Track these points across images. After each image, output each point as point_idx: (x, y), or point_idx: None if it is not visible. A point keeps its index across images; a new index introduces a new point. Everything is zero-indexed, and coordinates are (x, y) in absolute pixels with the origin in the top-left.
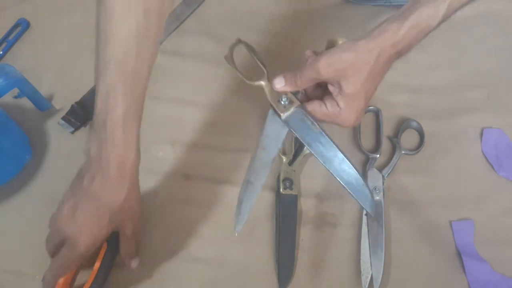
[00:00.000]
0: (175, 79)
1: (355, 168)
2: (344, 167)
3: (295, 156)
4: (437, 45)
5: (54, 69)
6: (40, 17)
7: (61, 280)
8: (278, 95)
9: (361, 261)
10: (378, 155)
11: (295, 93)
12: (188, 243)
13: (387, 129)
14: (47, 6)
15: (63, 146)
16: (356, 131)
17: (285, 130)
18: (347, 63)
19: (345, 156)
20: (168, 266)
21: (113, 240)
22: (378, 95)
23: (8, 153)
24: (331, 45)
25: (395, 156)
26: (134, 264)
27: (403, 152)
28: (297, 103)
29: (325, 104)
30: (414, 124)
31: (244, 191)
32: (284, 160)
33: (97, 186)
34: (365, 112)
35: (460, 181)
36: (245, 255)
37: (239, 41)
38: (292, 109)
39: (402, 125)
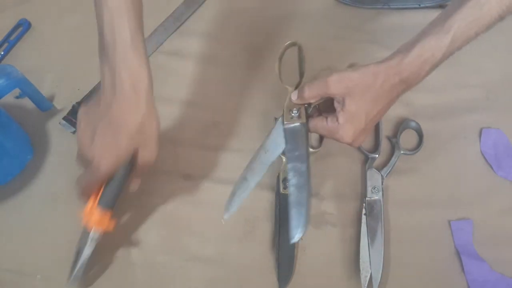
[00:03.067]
0: (175, 79)
1: (308, 201)
2: (301, 193)
3: None
4: None
5: (55, 70)
6: (41, 18)
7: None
8: (293, 106)
9: (361, 260)
10: (377, 155)
11: (308, 109)
12: (188, 243)
13: (386, 129)
14: (48, 7)
15: (64, 146)
16: None
17: (302, 128)
18: (355, 82)
19: (309, 187)
20: (168, 266)
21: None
22: None
23: (9, 153)
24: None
25: (394, 156)
26: (135, 186)
27: (402, 152)
28: (303, 120)
29: (327, 119)
30: (413, 124)
31: (238, 186)
32: (284, 160)
33: (114, 109)
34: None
35: (459, 181)
36: (245, 255)
37: (294, 44)
38: (295, 124)
39: (401, 125)
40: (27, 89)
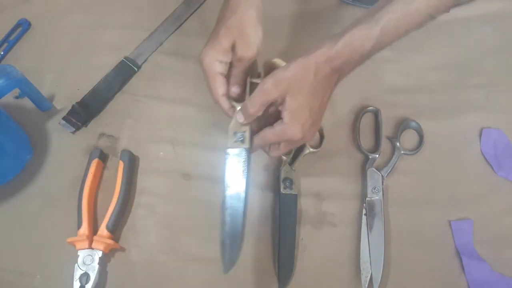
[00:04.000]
0: (176, 79)
1: (242, 232)
2: (237, 225)
3: (295, 156)
4: (436, 45)
5: (55, 70)
6: (41, 18)
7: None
8: (238, 128)
9: (361, 260)
10: (377, 155)
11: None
12: (188, 243)
13: (386, 129)
14: (48, 7)
15: (64, 146)
16: (355, 131)
17: (244, 155)
18: (289, 80)
19: (244, 219)
20: (168, 266)
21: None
22: (378, 95)
23: (9, 153)
24: (269, 67)
25: (394, 156)
26: (235, 90)
27: (402, 152)
28: (247, 145)
29: (274, 126)
30: (413, 124)
31: (222, 232)
32: (284, 159)
33: (222, 13)
34: (365, 113)
35: (459, 181)
36: (245, 255)
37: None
38: (238, 149)
39: (401, 125)
40: (27, 89)
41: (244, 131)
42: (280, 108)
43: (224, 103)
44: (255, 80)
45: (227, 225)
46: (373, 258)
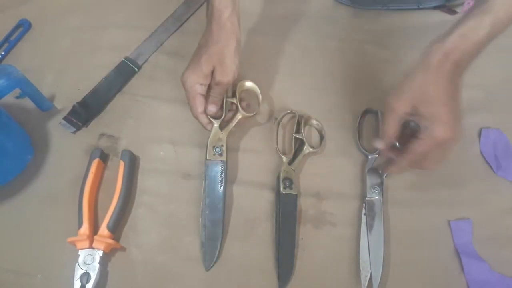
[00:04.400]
0: (176, 79)
1: (222, 236)
2: (217, 229)
3: (295, 156)
4: None
5: (55, 70)
6: (41, 18)
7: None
8: (217, 142)
9: (360, 260)
10: (377, 155)
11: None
12: (188, 243)
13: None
14: (48, 7)
15: (65, 146)
16: (355, 131)
17: (221, 166)
18: (412, 88)
19: (223, 223)
20: (168, 266)
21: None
22: (378, 95)
23: (10, 153)
24: (240, 87)
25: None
26: (211, 108)
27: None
28: (224, 158)
29: (420, 137)
30: (412, 124)
31: (203, 234)
32: (284, 159)
33: (203, 39)
34: (365, 113)
35: (458, 181)
36: (245, 254)
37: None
38: (216, 161)
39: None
40: (28, 89)
41: (222, 145)
42: (417, 120)
43: (203, 119)
44: (230, 99)
45: (207, 228)
46: (373, 258)
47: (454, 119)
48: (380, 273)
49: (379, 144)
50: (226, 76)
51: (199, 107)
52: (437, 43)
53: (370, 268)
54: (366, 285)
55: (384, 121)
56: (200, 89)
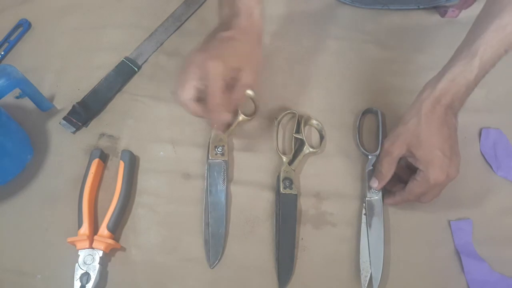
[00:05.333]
0: (176, 79)
1: (225, 234)
2: (220, 226)
3: (295, 155)
4: (436, 45)
5: (55, 70)
6: (41, 18)
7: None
8: (218, 143)
9: (361, 260)
10: (377, 155)
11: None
12: (188, 243)
13: (386, 129)
14: (48, 7)
15: (65, 146)
16: (355, 131)
17: (223, 165)
18: (405, 135)
19: (226, 220)
20: (168, 266)
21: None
22: (378, 95)
23: (9, 153)
24: None
25: None
26: (226, 116)
27: None
28: (226, 157)
29: (416, 178)
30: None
31: (206, 232)
32: (284, 159)
33: (230, 33)
34: (365, 113)
35: (458, 180)
36: (245, 254)
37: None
38: (218, 160)
39: None
40: (27, 89)
41: (223, 145)
42: (413, 162)
43: (222, 113)
44: None
45: (211, 226)
46: (373, 258)
47: (449, 159)
48: (380, 273)
49: (375, 184)
50: (250, 78)
51: (219, 99)
52: (428, 88)
53: (370, 268)
54: (366, 285)
55: (380, 163)
56: (223, 84)
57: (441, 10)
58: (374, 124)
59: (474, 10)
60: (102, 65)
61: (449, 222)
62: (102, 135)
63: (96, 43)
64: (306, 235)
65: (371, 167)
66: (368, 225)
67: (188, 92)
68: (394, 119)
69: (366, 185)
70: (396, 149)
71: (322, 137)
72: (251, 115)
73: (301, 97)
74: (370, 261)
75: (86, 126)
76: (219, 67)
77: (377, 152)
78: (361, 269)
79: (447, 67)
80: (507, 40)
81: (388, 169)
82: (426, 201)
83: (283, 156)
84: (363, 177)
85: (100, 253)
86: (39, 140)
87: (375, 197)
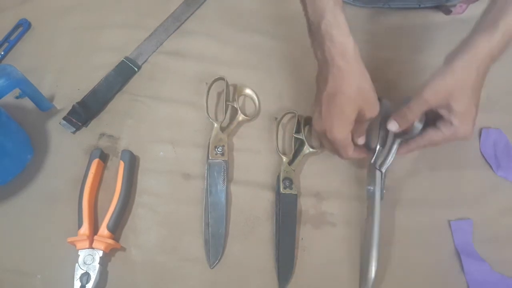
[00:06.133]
0: (176, 79)
1: (225, 233)
2: (220, 226)
3: (295, 155)
4: (436, 45)
5: (55, 70)
6: (41, 18)
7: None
8: (218, 143)
9: (360, 260)
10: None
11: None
12: (188, 243)
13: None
14: (48, 7)
15: (65, 146)
16: None
17: (223, 165)
18: (451, 86)
19: (226, 220)
20: (168, 266)
21: (130, 159)
22: (378, 95)
23: (9, 153)
24: (239, 92)
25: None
26: (361, 141)
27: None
28: (226, 157)
29: (440, 129)
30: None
31: (206, 232)
32: (284, 159)
33: (331, 83)
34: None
35: (458, 181)
36: (245, 254)
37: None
38: (218, 160)
39: None
40: (27, 89)
41: (223, 145)
42: (443, 114)
43: (357, 154)
44: (230, 103)
45: (211, 226)
46: (371, 258)
47: (475, 118)
48: (374, 272)
49: (394, 127)
50: (375, 111)
51: (351, 152)
52: (483, 39)
53: (368, 268)
54: (366, 285)
55: (409, 108)
56: (350, 136)
57: (443, 8)
58: (373, 122)
59: (475, 10)
60: (102, 65)
61: (449, 222)
62: (102, 135)
63: (96, 43)
64: (306, 235)
65: (372, 166)
66: (367, 224)
67: (351, 151)
68: None
69: (366, 185)
70: (436, 100)
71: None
72: (251, 115)
73: (301, 97)
74: (366, 261)
75: (86, 126)
76: (340, 132)
77: (377, 146)
78: (360, 269)
79: (500, 13)
80: None
81: (415, 116)
82: (427, 148)
83: (283, 156)
84: (363, 177)
85: (100, 253)
86: (39, 140)
87: (375, 196)
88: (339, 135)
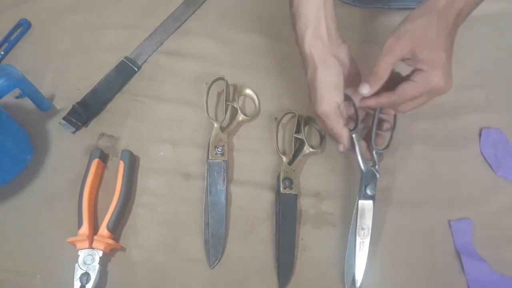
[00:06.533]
0: (176, 79)
1: (225, 233)
2: (220, 226)
3: (295, 155)
4: None
5: (55, 70)
6: (41, 18)
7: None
8: (218, 143)
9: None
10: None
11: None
12: (188, 243)
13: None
14: (48, 7)
15: (64, 146)
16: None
17: (223, 165)
18: (412, 31)
19: (226, 220)
20: (168, 266)
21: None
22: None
23: (9, 153)
24: (239, 92)
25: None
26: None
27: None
28: (226, 157)
29: (413, 79)
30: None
31: (206, 232)
32: (284, 159)
33: (309, 74)
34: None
35: (458, 181)
36: (245, 254)
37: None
38: (218, 160)
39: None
40: (27, 89)
41: (223, 145)
42: (411, 64)
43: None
44: (230, 103)
45: (211, 226)
46: (358, 258)
47: (450, 68)
48: (363, 273)
49: (366, 89)
50: (356, 69)
51: (345, 132)
52: None
53: (354, 269)
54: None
55: (377, 64)
56: (338, 112)
57: None
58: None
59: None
60: (102, 65)
61: (449, 222)
62: (102, 135)
63: (96, 43)
64: (306, 235)
65: (369, 166)
66: (358, 225)
67: (347, 139)
68: (392, 118)
69: (359, 185)
70: (399, 47)
71: (322, 137)
72: (251, 115)
73: (301, 97)
74: (354, 262)
75: (86, 126)
76: (327, 106)
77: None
78: (345, 270)
79: None
80: None
81: (384, 70)
82: (403, 110)
83: (283, 156)
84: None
85: (100, 253)
86: (39, 140)
87: (367, 196)
88: (326, 108)
